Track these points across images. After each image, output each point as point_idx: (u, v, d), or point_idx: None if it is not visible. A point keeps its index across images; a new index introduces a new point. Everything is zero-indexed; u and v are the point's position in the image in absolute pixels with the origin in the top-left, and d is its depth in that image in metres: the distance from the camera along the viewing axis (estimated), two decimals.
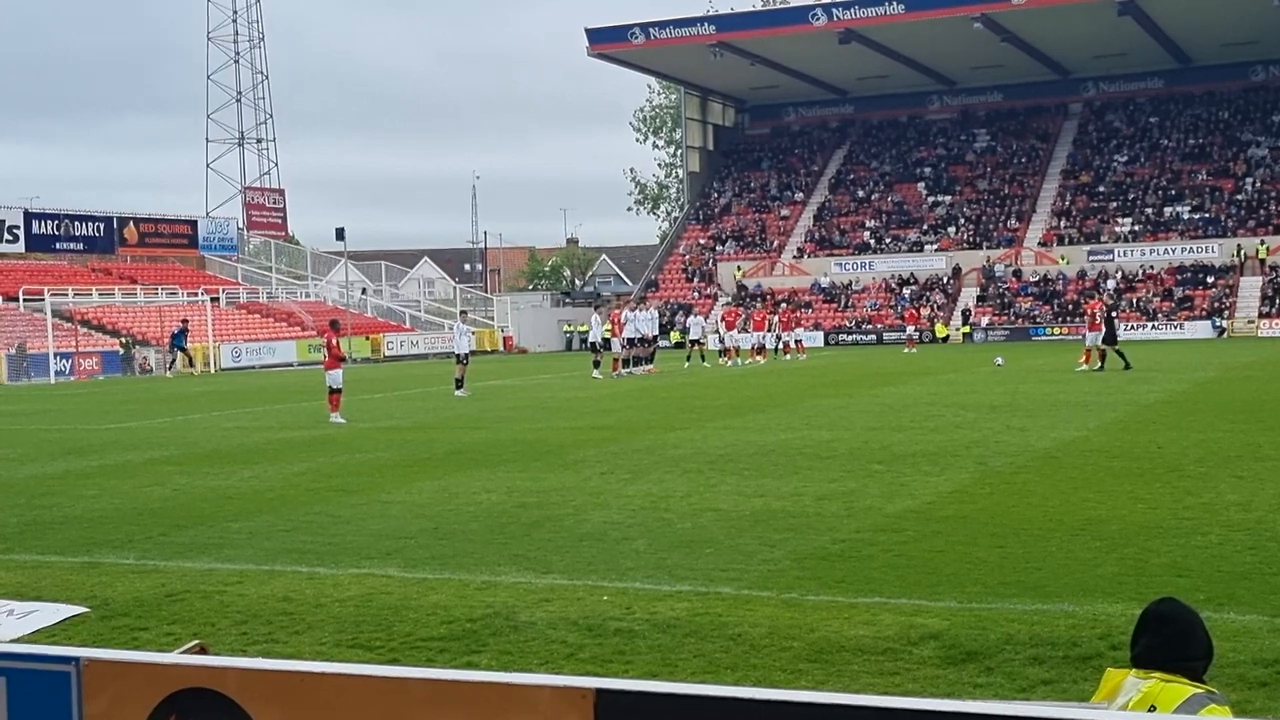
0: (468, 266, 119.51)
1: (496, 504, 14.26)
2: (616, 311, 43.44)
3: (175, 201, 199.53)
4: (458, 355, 34.26)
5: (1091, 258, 71.56)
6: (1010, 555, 10.61)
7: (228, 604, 9.75)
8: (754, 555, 10.96)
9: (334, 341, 27.24)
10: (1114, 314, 41.72)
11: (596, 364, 40.95)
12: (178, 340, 57.77)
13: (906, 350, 56.32)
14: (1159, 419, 21.95)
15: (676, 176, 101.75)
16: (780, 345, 52.79)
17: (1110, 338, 37.11)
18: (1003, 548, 10.93)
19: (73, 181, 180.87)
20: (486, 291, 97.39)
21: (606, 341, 41.45)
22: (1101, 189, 76.51)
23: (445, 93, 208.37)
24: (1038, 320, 68.69)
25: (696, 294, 78.11)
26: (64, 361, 55.60)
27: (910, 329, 61.70)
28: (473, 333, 34.59)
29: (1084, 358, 37.75)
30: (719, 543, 11.56)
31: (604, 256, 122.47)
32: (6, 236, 69.23)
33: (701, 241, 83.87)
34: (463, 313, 43.60)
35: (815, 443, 19.35)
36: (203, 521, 13.69)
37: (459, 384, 33.52)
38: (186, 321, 59.22)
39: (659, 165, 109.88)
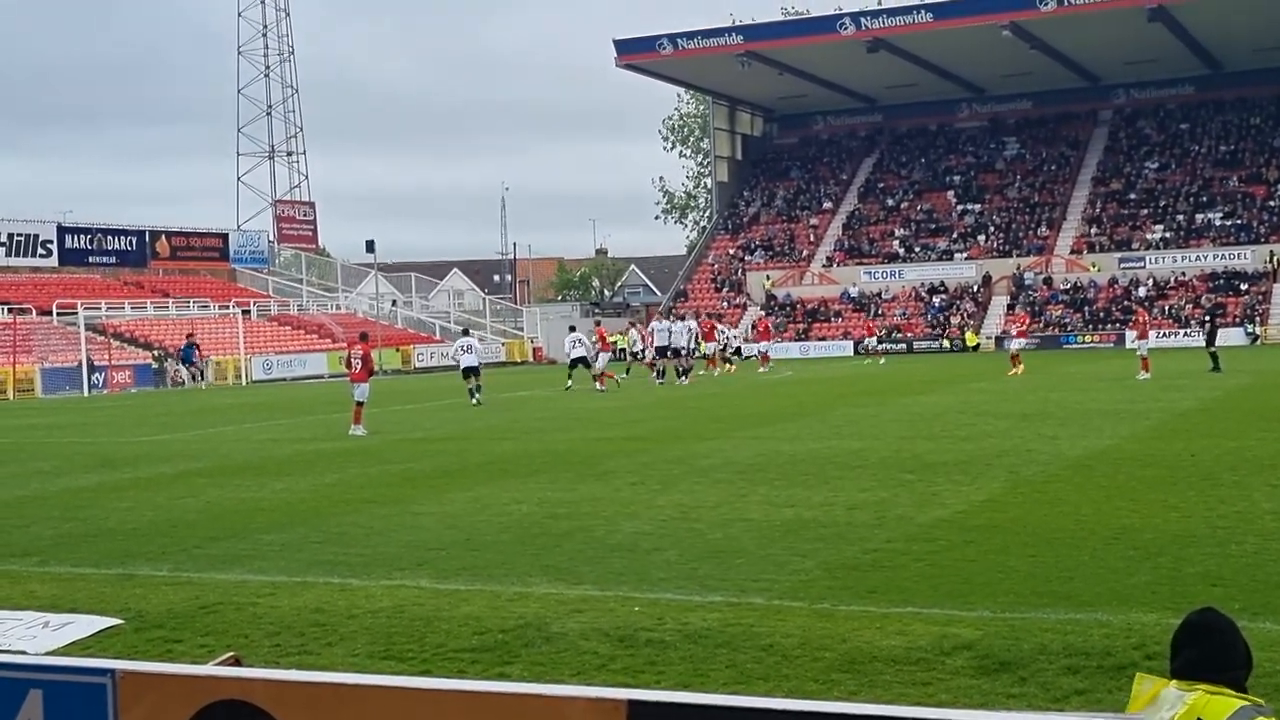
0: (497, 278, 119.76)
1: (528, 515, 14.27)
2: (640, 324, 43.28)
3: (206, 214, 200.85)
4: (465, 369, 35.42)
5: (1123, 265, 71.21)
6: (1043, 564, 10.56)
7: (261, 615, 9.79)
8: (785, 565, 10.94)
9: (370, 354, 27.37)
10: (1216, 320, 43.90)
11: (574, 375, 41.56)
12: (187, 354, 57.65)
13: (868, 362, 54.98)
14: (1192, 427, 21.81)
15: (705, 186, 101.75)
16: (759, 355, 51.80)
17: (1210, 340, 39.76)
18: (1035, 557, 10.88)
19: (103, 195, 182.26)
20: (516, 302, 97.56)
21: (582, 359, 41.68)
22: (1132, 196, 76.14)
23: (472, 105, 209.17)
24: (1069, 328, 68.35)
25: (726, 304, 78.05)
26: (98, 375, 55.96)
27: (870, 340, 60.92)
28: (476, 348, 36.11)
29: (1141, 366, 37.10)
30: (750, 553, 11.54)
31: (633, 266, 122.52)
32: (40, 250, 69.73)
33: (730, 251, 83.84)
34: (465, 331, 44.73)
35: (845, 452, 19.31)
36: (235, 533, 13.76)
37: (473, 393, 34.57)
38: (193, 335, 59.26)
39: (687, 175, 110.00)
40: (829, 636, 8.59)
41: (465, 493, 16.31)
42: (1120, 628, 8.50)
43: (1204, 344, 40.28)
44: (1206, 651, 4.15)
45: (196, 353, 58.24)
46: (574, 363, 41.02)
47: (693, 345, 45.10)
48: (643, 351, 41.18)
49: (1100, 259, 72.02)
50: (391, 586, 10.64)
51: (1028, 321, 44.92)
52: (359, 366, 26.79)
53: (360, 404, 26.37)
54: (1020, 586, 9.80)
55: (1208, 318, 44.06)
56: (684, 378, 42.65)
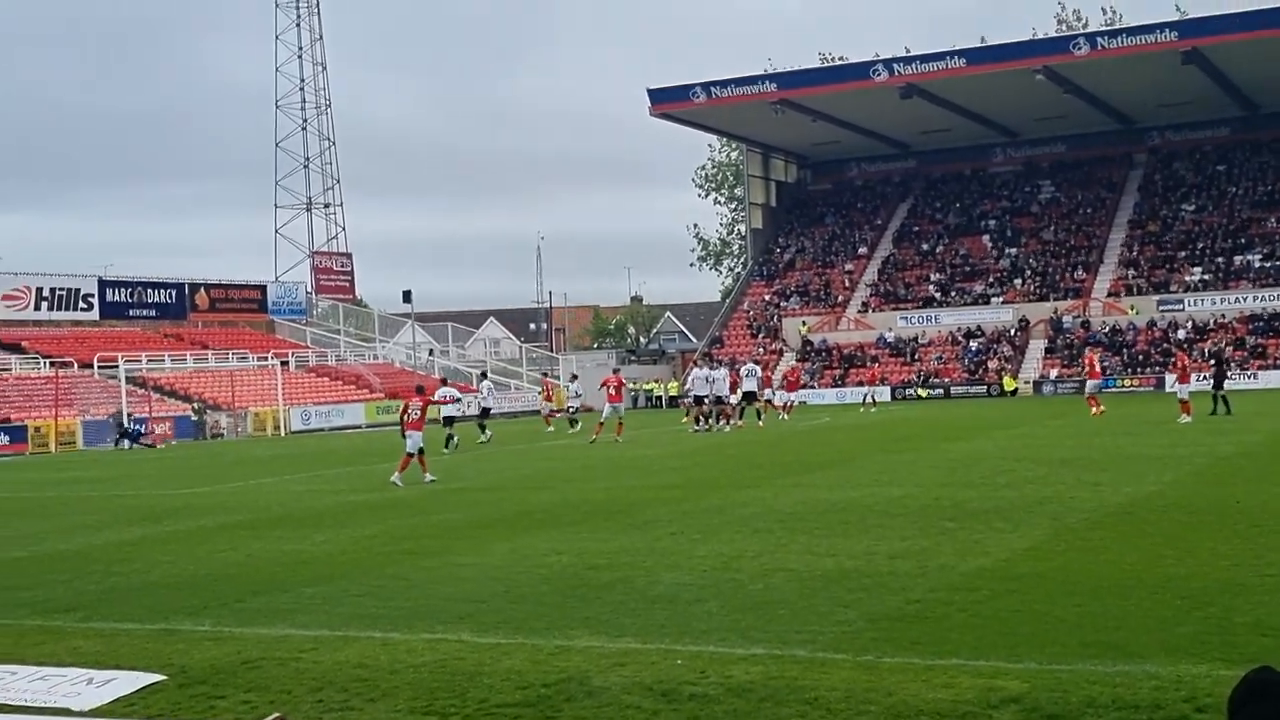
0: (533, 326, 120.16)
1: (567, 566, 14.23)
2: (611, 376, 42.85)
3: (244, 266, 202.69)
4: (446, 418, 37.92)
5: (1161, 308, 70.83)
6: (1089, 614, 10.45)
7: (303, 671, 9.77)
8: (828, 616, 10.87)
9: (428, 405, 27.36)
10: (1224, 362, 43.63)
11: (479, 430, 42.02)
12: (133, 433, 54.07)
13: (863, 409, 53.90)
14: (1236, 472, 21.61)
15: (739, 232, 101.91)
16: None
17: (1218, 383, 39.71)
18: (1081, 606, 10.77)
19: (143, 249, 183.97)
20: (552, 350, 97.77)
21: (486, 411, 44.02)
22: (1169, 238, 75.82)
23: (506, 155, 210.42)
24: (1107, 372, 67.93)
25: (762, 350, 78.01)
26: (138, 427, 56.28)
27: (868, 390, 59.64)
28: (459, 397, 38.28)
29: (1182, 410, 36.87)
30: (792, 604, 11.47)
31: (668, 313, 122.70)
32: (81, 304, 70.50)
33: (766, 297, 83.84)
34: (443, 380, 46.04)
35: (885, 500, 19.20)
36: (277, 587, 13.77)
37: (448, 442, 36.60)
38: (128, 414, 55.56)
39: (721, 222, 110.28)
40: (874, 689, 8.51)
41: (504, 543, 16.29)
42: (1170, 679, 8.39)
43: (1211, 387, 39.89)
44: (1268, 711, 4.07)
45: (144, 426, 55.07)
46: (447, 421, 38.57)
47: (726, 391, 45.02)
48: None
49: (1138, 301, 71.70)
50: (433, 640, 10.62)
51: (1095, 362, 44.57)
52: (417, 416, 26.67)
53: (414, 455, 26.24)
54: (1066, 637, 9.70)
55: (1212, 361, 43.94)
56: (724, 424, 42.66)
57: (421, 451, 26.41)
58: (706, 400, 42.30)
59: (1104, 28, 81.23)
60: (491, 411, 44.64)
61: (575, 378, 60.40)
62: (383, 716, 8.47)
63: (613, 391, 39.64)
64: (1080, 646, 9.39)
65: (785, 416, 49.20)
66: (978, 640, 9.74)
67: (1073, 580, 11.96)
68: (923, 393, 69.74)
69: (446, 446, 36.26)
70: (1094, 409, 40.12)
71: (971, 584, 12.01)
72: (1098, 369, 43.67)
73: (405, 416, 26.89)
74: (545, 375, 61.25)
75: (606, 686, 8.90)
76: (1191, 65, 65.51)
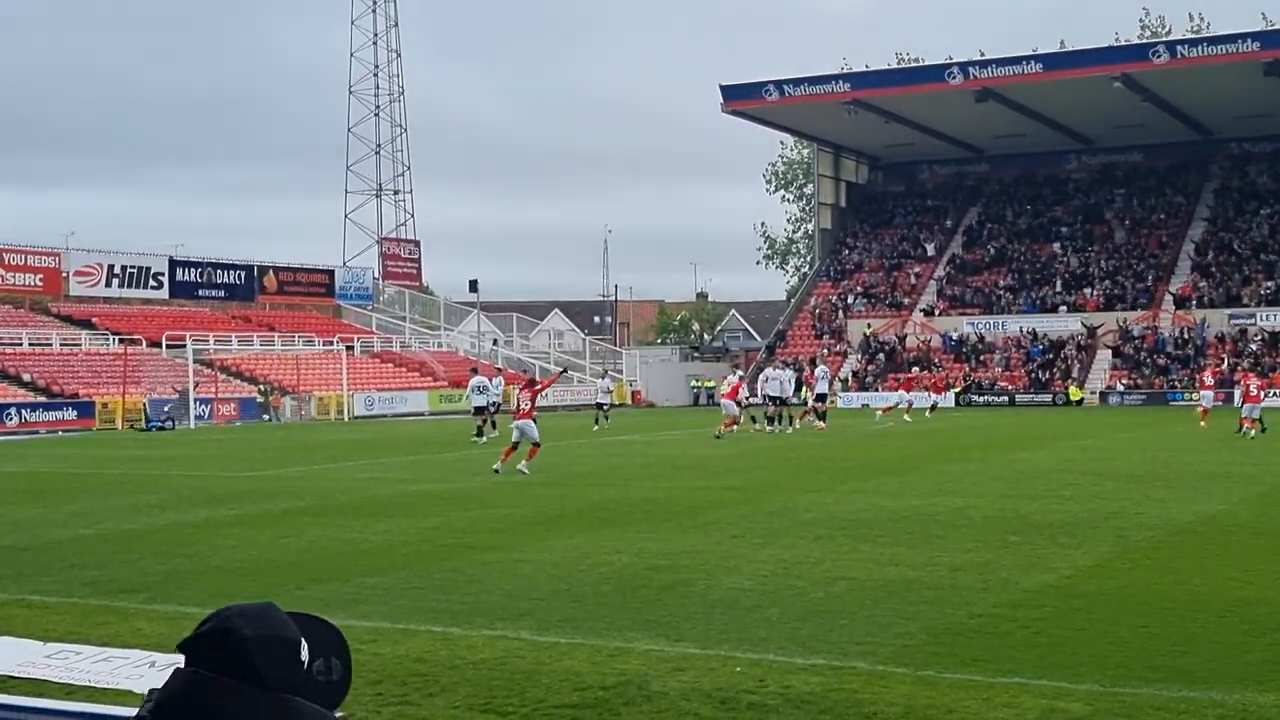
0: (597, 319, 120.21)
1: (628, 565, 14.23)
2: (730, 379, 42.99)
3: (312, 250, 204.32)
4: (476, 408, 38.95)
5: (1233, 320, 69.88)
6: (1154, 637, 10.32)
7: (363, 663, 9.80)
8: (888, 628, 10.80)
9: (536, 396, 27.35)
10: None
11: (479, 431, 38.64)
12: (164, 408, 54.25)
13: (907, 418, 50.25)
14: None
15: (806, 231, 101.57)
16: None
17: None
18: (1146, 628, 10.64)
19: (213, 229, 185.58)
20: (616, 344, 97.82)
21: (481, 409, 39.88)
22: (1243, 249, 74.76)
23: (575, 148, 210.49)
24: (1176, 384, 67.10)
25: (826, 350, 77.69)
26: (203, 407, 56.92)
27: (908, 395, 54.81)
28: (489, 388, 38.78)
29: (1249, 425, 36.37)
30: (852, 614, 11.41)
31: (733, 311, 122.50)
32: (152, 283, 71.26)
33: (832, 298, 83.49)
34: (474, 370, 45.47)
35: (948, 510, 19.06)
36: (338, 576, 13.86)
37: (479, 432, 37.42)
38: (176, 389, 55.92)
39: (789, 220, 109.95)
40: (933, 706, 8.45)
41: (565, 540, 16.31)
42: (1235, 707, 8.26)
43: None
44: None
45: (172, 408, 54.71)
46: (478, 411, 39.18)
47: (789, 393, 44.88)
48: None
49: (1209, 313, 70.76)
50: (493, 637, 10.64)
51: (1250, 383, 40.06)
52: (526, 407, 26.73)
53: (539, 444, 26.40)
54: (1131, 659, 9.58)
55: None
56: (789, 425, 42.57)
57: (537, 445, 26.52)
58: (777, 401, 42.33)
59: (1186, 36, 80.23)
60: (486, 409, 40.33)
61: (605, 373, 60.80)
62: (441, 713, 8.50)
63: (726, 391, 41.19)
64: (1144, 669, 9.28)
65: (909, 418, 49.14)
66: (1040, 659, 9.65)
67: (1137, 600, 11.83)
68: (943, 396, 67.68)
69: (479, 436, 36.74)
70: (1251, 428, 37.03)
71: (1035, 600, 11.90)
72: (1253, 392, 38.11)
73: (516, 408, 27.10)
74: (525, 373, 57.27)
75: (665, 691, 8.88)
76: (1273, 76, 64.52)
